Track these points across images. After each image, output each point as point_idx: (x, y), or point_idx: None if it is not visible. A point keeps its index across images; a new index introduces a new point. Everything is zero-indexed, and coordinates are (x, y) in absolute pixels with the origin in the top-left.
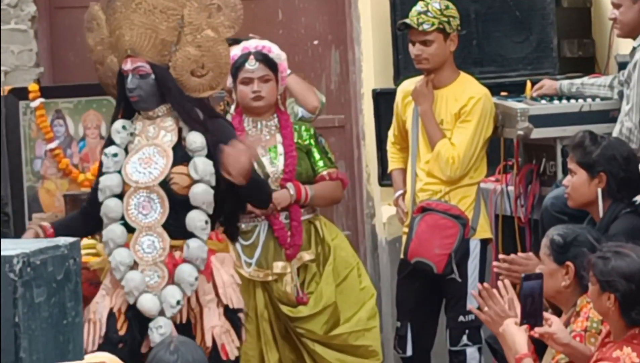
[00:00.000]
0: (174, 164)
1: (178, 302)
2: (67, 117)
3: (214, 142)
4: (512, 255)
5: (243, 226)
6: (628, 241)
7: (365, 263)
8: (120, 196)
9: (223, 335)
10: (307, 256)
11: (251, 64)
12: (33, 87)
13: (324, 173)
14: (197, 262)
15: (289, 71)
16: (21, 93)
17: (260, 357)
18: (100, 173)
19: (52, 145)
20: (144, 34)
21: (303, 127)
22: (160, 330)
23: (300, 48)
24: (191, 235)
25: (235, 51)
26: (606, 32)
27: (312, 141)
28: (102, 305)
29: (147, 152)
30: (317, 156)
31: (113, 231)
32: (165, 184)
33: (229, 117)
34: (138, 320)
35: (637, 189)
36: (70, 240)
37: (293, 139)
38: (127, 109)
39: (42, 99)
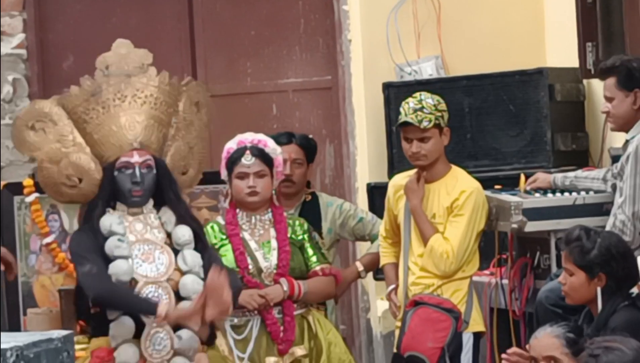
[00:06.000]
0: None
1: None
2: (61, 212)
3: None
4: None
5: (235, 320)
6: (629, 334)
7: (360, 357)
8: None
9: None
10: (299, 351)
11: (247, 159)
12: (28, 182)
13: (317, 268)
14: (190, 353)
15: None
16: (16, 188)
17: None
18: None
19: (48, 239)
20: (152, 126)
21: (297, 222)
22: None
23: None
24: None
25: (231, 144)
26: (599, 125)
27: (306, 237)
28: None
29: (142, 249)
30: (310, 251)
31: (122, 323)
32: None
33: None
34: None
35: (634, 282)
36: (64, 332)
37: (287, 234)
38: (103, 205)
39: (36, 194)
